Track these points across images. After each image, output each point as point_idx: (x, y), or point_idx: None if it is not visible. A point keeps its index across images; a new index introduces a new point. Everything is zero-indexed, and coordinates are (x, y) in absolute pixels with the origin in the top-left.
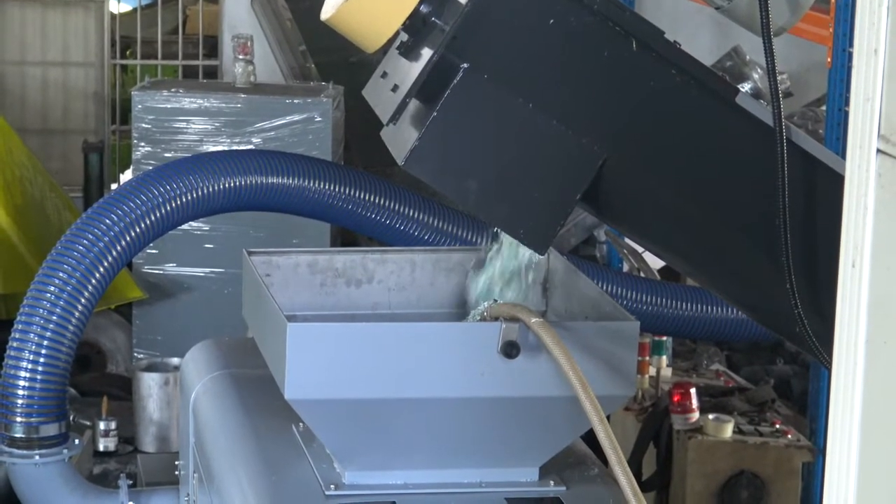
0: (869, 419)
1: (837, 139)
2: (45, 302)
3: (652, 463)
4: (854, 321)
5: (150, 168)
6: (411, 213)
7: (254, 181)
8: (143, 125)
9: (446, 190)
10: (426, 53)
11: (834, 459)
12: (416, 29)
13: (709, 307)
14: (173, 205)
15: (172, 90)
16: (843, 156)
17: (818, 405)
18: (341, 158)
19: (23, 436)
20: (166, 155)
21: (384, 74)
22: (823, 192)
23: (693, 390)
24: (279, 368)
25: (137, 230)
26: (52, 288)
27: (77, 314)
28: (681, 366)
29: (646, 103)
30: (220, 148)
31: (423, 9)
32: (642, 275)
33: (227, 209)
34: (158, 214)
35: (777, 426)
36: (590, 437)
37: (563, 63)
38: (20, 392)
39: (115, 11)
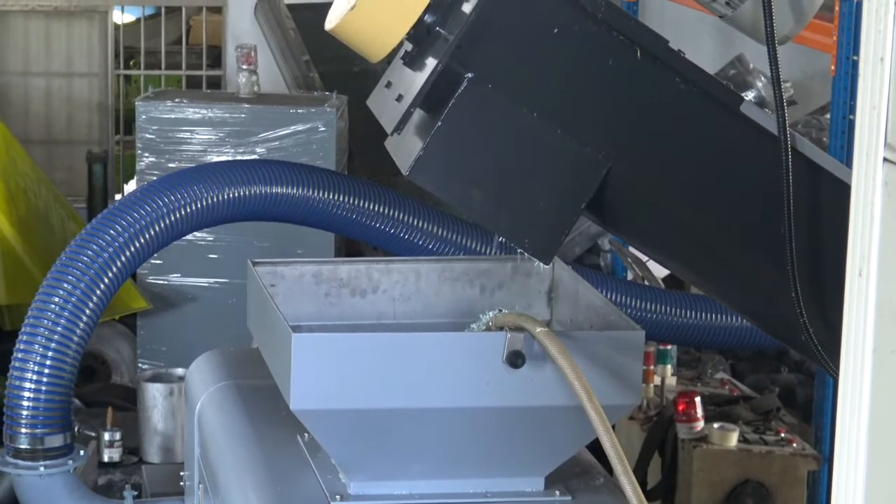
0: (876, 428)
1: (842, 147)
2: (49, 313)
3: (657, 472)
4: (861, 330)
5: (155, 178)
6: (415, 223)
7: (258, 191)
8: (147, 135)
9: (451, 199)
10: (430, 63)
11: (841, 469)
12: (420, 38)
13: (713, 315)
14: (177, 215)
15: (176, 100)
16: (848, 164)
17: (823, 413)
18: (345, 168)
19: (28, 447)
20: (170, 165)
21: (388, 84)
22: (828, 200)
23: (698, 399)
24: (284, 379)
25: (142, 241)
26: (57, 299)
27: (81, 325)
28: (685, 374)
29: (650, 112)
30: (224, 158)
31: (428, 18)
32: (646, 283)
33: (232, 219)
34: (163, 225)
35: (782, 435)
36: (595, 447)
37: (567, 72)
38: (25, 403)
39: (119, 22)
